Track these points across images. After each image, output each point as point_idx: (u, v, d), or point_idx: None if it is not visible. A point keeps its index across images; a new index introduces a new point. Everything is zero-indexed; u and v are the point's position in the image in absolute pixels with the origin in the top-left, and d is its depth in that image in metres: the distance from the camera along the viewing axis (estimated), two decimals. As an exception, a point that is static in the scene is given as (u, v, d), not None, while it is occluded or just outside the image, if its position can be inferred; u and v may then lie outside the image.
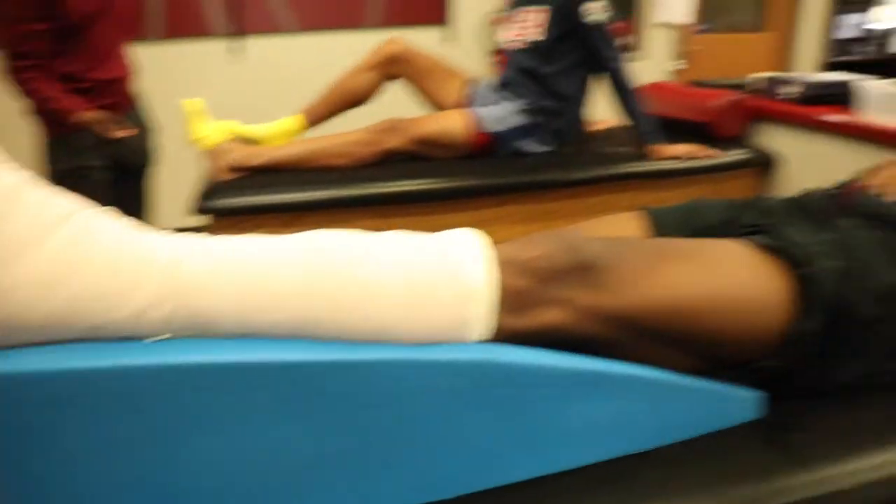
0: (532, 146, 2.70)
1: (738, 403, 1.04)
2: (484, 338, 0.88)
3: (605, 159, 2.74)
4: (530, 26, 2.66)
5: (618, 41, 2.63)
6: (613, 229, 1.36)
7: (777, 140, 2.91)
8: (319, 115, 2.74)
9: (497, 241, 0.98)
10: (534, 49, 2.66)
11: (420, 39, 4.16)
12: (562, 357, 0.91)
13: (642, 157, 2.71)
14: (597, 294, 0.98)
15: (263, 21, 4.06)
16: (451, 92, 2.77)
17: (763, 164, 2.90)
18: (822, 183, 1.48)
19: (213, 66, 4.02)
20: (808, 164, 2.77)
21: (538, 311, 0.95)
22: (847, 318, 1.03)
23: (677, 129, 3.04)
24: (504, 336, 0.91)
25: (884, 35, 6.51)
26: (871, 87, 2.57)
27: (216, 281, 0.80)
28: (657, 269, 1.01)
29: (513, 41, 2.74)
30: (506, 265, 0.93)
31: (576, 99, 2.72)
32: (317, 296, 0.82)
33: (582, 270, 0.97)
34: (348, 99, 2.73)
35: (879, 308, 1.06)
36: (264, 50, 4.12)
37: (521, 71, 2.70)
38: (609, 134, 3.08)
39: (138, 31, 3.09)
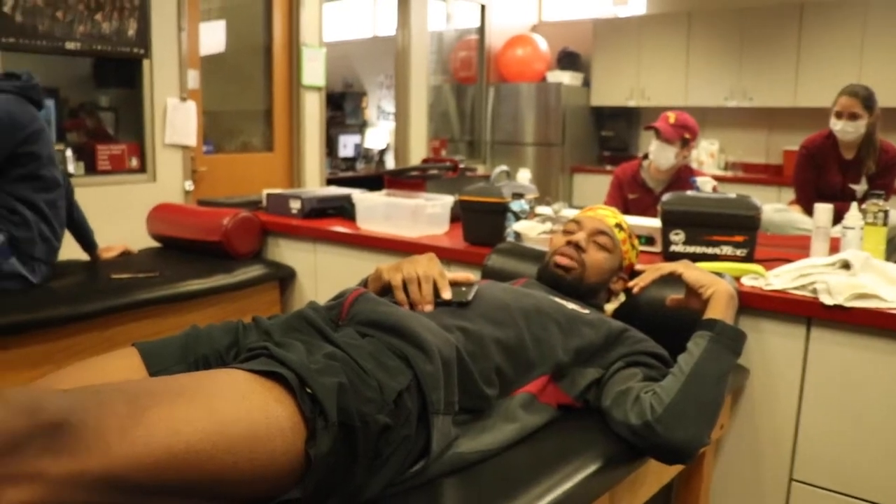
0: (19, 267, 2.40)
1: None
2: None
3: (118, 287, 2.54)
4: None
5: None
6: (105, 372, 1.20)
7: (289, 253, 3.01)
8: None
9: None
10: None
11: None
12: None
13: (159, 282, 2.58)
14: (74, 458, 0.82)
15: None
16: None
17: (280, 278, 2.97)
18: (333, 290, 1.54)
19: None
20: (318, 273, 2.91)
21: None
22: (356, 432, 1.03)
23: (191, 250, 2.97)
24: None
25: (379, 153, 7.41)
26: (361, 198, 2.81)
27: None
28: (147, 415, 0.90)
29: None
30: None
31: (33, 212, 2.45)
32: None
33: (48, 434, 0.81)
34: None
35: (385, 415, 1.08)
36: None
37: None
38: (120, 260, 2.88)
39: None
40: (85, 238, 2.84)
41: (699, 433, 1.32)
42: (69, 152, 3.85)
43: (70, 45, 3.94)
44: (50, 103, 3.96)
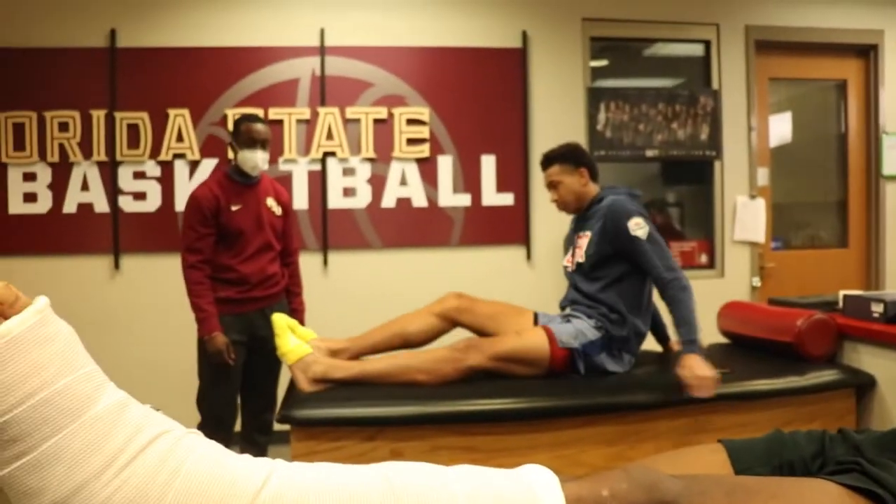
0: (607, 361, 2.70)
1: None
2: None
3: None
4: (579, 250, 2.81)
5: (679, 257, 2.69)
6: (691, 464, 1.31)
7: (868, 360, 2.81)
8: (366, 347, 2.78)
9: (580, 463, 0.96)
10: (578, 270, 2.81)
11: (500, 258, 4.32)
12: None
13: (727, 378, 2.65)
14: None
15: (355, 238, 4.31)
16: (524, 325, 2.80)
17: (854, 386, 2.79)
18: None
19: (308, 278, 4.16)
20: (902, 387, 2.66)
21: None
22: None
23: (760, 348, 2.99)
24: None
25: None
26: (962, 309, 2.50)
27: None
28: None
29: (567, 265, 2.90)
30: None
31: (630, 310, 2.73)
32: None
33: None
34: (399, 340, 2.79)
35: None
36: (353, 265, 4.32)
37: (576, 290, 2.82)
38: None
39: (290, 245, 3.42)
40: (661, 331, 3.10)
41: None
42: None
43: (649, 153, 4.39)
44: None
